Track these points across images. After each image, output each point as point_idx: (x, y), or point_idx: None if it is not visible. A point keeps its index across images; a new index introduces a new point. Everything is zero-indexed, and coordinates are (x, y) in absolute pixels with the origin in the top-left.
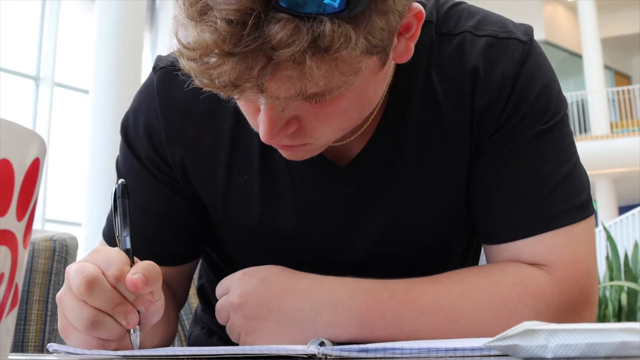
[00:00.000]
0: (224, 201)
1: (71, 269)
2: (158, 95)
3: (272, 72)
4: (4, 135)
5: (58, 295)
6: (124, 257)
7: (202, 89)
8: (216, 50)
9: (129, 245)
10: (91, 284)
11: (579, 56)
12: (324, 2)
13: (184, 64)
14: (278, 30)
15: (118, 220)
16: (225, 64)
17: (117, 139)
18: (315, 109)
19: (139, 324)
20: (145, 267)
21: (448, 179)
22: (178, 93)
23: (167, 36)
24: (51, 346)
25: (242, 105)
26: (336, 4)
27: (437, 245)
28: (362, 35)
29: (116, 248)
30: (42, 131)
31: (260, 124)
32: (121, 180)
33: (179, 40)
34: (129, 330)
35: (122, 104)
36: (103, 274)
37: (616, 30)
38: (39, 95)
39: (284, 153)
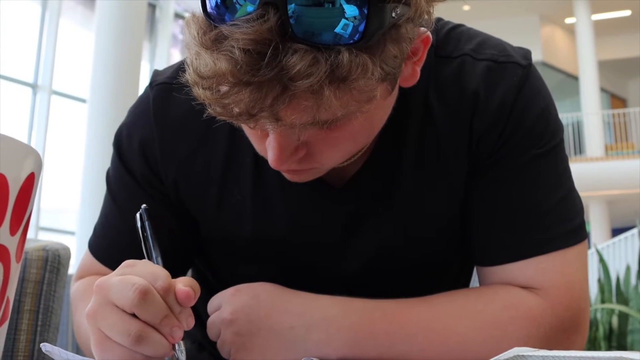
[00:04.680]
0: (215, 219)
1: (112, 282)
2: (154, 112)
3: (288, 101)
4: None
5: (89, 310)
6: (166, 271)
7: (198, 107)
8: (231, 79)
9: (162, 265)
10: (145, 295)
11: (575, 78)
12: (339, 32)
13: (198, 93)
14: (297, 61)
15: (148, 243)
16: (241, 93)
17: (112, 150)
18: (325, 135)
19: (182, 340)
20: (190, 281)
21: (444, 200)
22: (174, 111)
23: (166, 47)
24: (44, 346)
25: (249, 131)
26: (350, 34)
27: (431, 265)
28: (377, 63)
29: (150, 262)
30: (38, 139)
31: (269, 150)
32: (144, 205)
33: (193, 69)
34: (173, 347)
35: (119, 113)
36: (152, 286)
37: (613, 53)
38: (36, 103)
39: (289, 176)
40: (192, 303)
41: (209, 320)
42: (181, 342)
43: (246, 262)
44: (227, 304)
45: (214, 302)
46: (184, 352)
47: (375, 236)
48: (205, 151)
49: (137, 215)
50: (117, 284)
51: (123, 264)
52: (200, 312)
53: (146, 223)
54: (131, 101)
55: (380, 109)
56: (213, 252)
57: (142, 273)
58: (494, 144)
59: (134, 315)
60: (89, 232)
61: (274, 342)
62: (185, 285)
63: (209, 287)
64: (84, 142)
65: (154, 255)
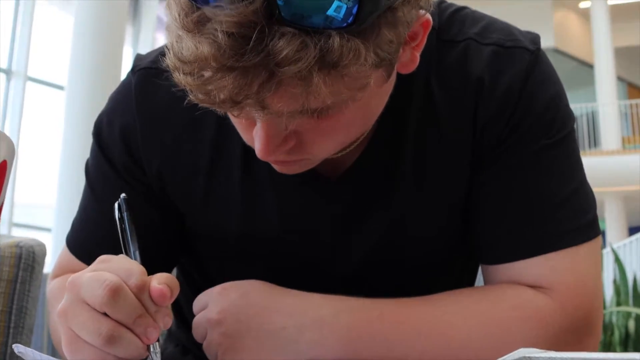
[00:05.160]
0: (202, 212)
1: (83, 279)
2: (136, 98)
3: (275, 88)
4: None
5: (61, 308)
6: (141, 267)
7: (183, 93)
8: (214, 64)
9: (139, 260)
10: (116, 293)
11: (590, 66)
12: (331, 14)
13: (179, 78)
14: (284, 46)
15: (126, 236)
16: (224, 79)
17: (91, 140)
18: (316, 124)
19: (157, 341)
20: (166, 278)
21: (446, 193)
22: (158, 97)
23: (151, 30)
24: (17, 347)
25: (235, 120)
26: (344, 17)
27: (432, 263)
28: (371, 49)
29: (127, 257)
30: (12, 129)
31: (256, 140)
32: (123, 195)
33: (174, 53)
34: (148, 348)
35: (99, 101)
36: (125, 283)
37: (631, 40)
38: (10, 90)
39: (278, 167)
40: (168, 302)
41: (195, 321)
42: (156, 344)
43: (234, 259)
44: (213, 302)
45: (199, 301)
46: (159, 354)
47: (372, 232)
48: (191, 139)
49: (116, 205)
50: (88, 281)
51: (98, 259)
52: (185, 312)
53: (125, 214)
54: (112, 88)
55: (375, 97)
56: (199, 249)
57: (115, 269)
58: (499, 133)
59: (106, 315)
60: (66, 228)
61: (264, 344)
62: (161, 282)
63: (195, 286)
64: (62, 132)
65: (131, 250)
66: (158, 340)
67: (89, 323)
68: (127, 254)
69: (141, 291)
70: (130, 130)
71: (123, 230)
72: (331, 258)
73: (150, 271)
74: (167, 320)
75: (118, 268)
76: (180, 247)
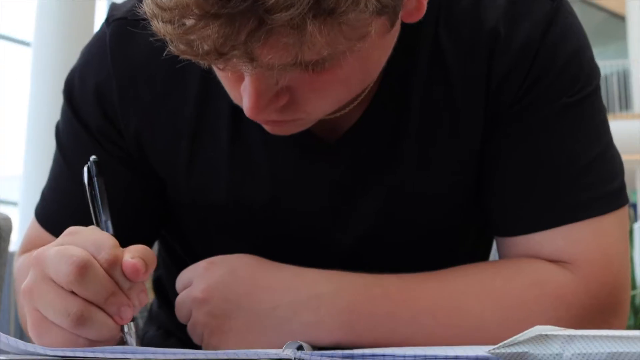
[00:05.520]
0: (186, 178)
1: (48, 254)
2: (111, 52)
3: (264, 38)
4: None
5: (25, 286)
6: (113, 239)
7: (162, 44)
8: (197, 11)
9: (111, 231)
10: (83, 270)
11: (621, 18)
12: None
13: (158, 27)
14: None
15: (97, 204)
16: (208, 28)
17: (62, 101)
18: (311, 79)
19: (133, 321)
20: (141, 251)
21: (457, 157)
22: (135, 51)
23: None
24: None
25: (221, 74)
26: None
27: (441, 235)
28: None
29: (98, 229)
30: None
31: (244, 97)
32: (93, 157)
33: None
34: (122, 330)
35: (70, 58)
36: (94, 258)
37: None
38: None
39: (269, 128)
40: (143, 278)
41: (178, 300)
42: (131, 324)
43: (221, 231)
44: (199, 279)
45: (183, 277)
46: (135, 335)
47: (375, 201)
48: (173, 97)
49: (85, 168)
50: (53, 257)
51: (66, 231)
52: (167, 290)
53: (95, 179)
54: (84, 43)
55: (377, 48)
56: (182, 219)
57: (83, 242)
58: (516, 91)
59: (75, 293)
60: (35, 200)
61: (255, 324)
62: (134, 256)
63: (178, 261)
64: (28, 93)
65: (102, 219)
66: (133, 320)
67: (56, 303)
68: (98, 224)
69: (112, 266)
70: (105, 87)
71: (93, 197)
72: (329, 229)
73: (128, 245)
74: (142, 297)
75: (86, 241)
76: (161, 218)
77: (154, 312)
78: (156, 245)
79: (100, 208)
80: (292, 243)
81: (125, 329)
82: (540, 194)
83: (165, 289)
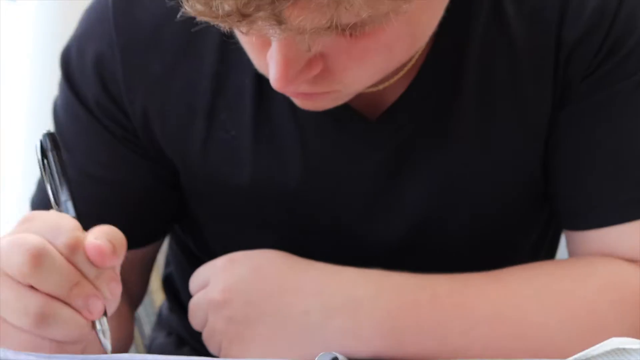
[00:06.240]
0: (202, 163)
1: (1, 245)
2: (114, 17)
3: None
4: None
5: None
6: (74, 221)
7: (175, 6)
8: None
9: (73, 213)
10: (39, 260)
11: None
12: None
13: None
14: None
15: (53, 181)
16: None
17: (56, 73)
18: (349, 45)
19: (105, 316)
20: (107, 231)
21: (520, 139)
22: (142, 15)
23: None
24: None
25: (244, 39)
26: None
27: (500, 229)
28: None
29: (57, 212)
30: None
31: (271, 65)
32: (47, 129)
33: None
34: (94, 327)
35: (67, 25)
36: (51, 244)
37: None
38: None
39: (300, 102)
40: (111, 262)
41: (192, 302)
42: (104, 319)
43: (242, 223)
44: (216, 279)
45: (198, 276)
46: (109, 332)
47: (424, 187)
48: (186, 69)
49: (37, 143)
50: (5, 248)
51: (22, 218)
52: (179, 291)
53: (50, 154)
54: (83, 7)
55: (426, 10)
56: (197, 210)
57: (39, 228)
58: (589, 61)
59: (33, 287)
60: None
61: (282, 332)
62: (99, 237)
63: (193, 258)
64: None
65: (61, 200)
66: (105, 315)
67: (13, 300)
68: (57, 207)
69: (73, 251)
70: (107, 58)
71: (50, 175)
72: (369, 222)
73: (137, 239)
74: (113, 286)
75: (42, 226)
76: (174, 210)
77: (164, 316)
78: (166, 240)
79: (58, 187)
80: (325, 237)
81: (97, 326)
82: (615, 181)
83: (176, 289)
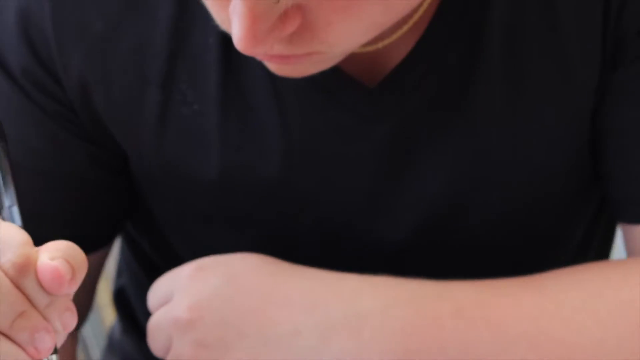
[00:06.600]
0: (157, 145)
1: None
2: None
3: None
4: None
5: None
6: (23, 234)
7: None
8: None
9: (19, 222)
10: None
11: None
12: None
13: None
14: None
15: None
16: None
17: None
18: None
19: (55, 353)
20: (63, 249)
21: (559, 111)
22: None
23: None
24: None
25: None
26: None
27: (534, 224)
28: None
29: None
30: None
31: (234, 21)
32: None
33: None
34: None
35: None
36: None
37: None
38: None
39: (274, 67)
40: (68, 289)
41: (151, 322)
42: (53, 357)
43: (212, 221)
44: (182, 292)
45: (159, 289)
46: None
47: (437, 173)
48: (135, 26)
49: None
50: None
51: None
52: (134, 308)
53: None
54: None
55: None
56: (153, 205)
57: None
58: None
59: None
60: None
61: (265, 358)
62: (55, 256)
63: (150, 267)
64: None
65: (5, 204)
66: (55, 352)
67: None
68: None
69: (22, 273)
70: (34, 14)
71: None
72: (370, 216)
73: (77, 244)
74: (67, 317)
75: None
76: (124, 205)
77: (116, 338)
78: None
79: (2, 189)
80: (315, 237)
81: None
82: None
83: (130, 306)
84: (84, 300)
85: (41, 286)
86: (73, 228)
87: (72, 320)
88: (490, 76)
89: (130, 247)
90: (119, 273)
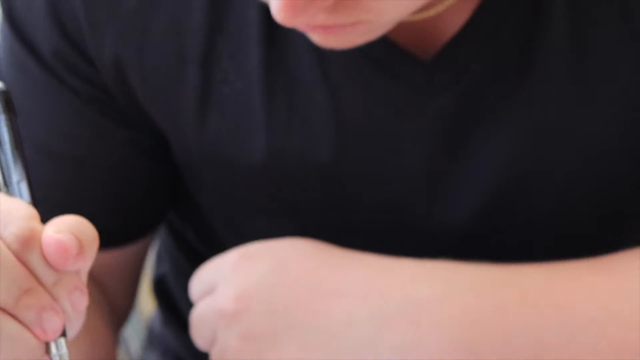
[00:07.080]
0: (198, 127)
1: None
2: None
3: None
4: None
5: None
6: (28, 208)
7: None
8: None
9: (27, 197)
10: None
11: None
12: None
13: None
14: None
15: (3, 155)
16: None
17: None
18: None
19: (63, 336)
20: (71, 222)
21: (625, 96)
22: None
23: None
24: None
25: None
26: None
27: (600, 209)
28: None
29: (6, 196)
30: None
31: None
32: None
33: None
34: (48, 351)
35: None
36: None
37: None
38: None
39: (318, 39)
40: (76, 264)
41: (195, 314)
42: (61, 341)
43: (258, 208)
44: (227, 282)
45: (202, 278)
46: (67, 356)
47: (500, 153)
48: (170, 1)
49: None
50: None
51: None
52: (176, 299)
53: (0, 117)
54: None
55: None
56: (196, 192)
57: None
58: None
59: None
60: None
61: (317, 350)
62: (60, 230)
63: (193, 254)
64: None
65: (13, 180)
66: (64, 335)
67: None
68: (7, 188)
69: (26, 247)
70: None
71: None
72: (429, 198)
73: (116, 235)
74: (76, 297)
75: None
76: (166, 194)
77: (156, 330)
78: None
79: (10, 163)
80: (370, 221)
81: (53, 350)
82: None
83: (172, 296)
84: (124, 297)
85: (47, 261)
86: (109, 218)
87: (82, 301)
88: (556, 45)
89: (171, 234)
90: (159, 259)
